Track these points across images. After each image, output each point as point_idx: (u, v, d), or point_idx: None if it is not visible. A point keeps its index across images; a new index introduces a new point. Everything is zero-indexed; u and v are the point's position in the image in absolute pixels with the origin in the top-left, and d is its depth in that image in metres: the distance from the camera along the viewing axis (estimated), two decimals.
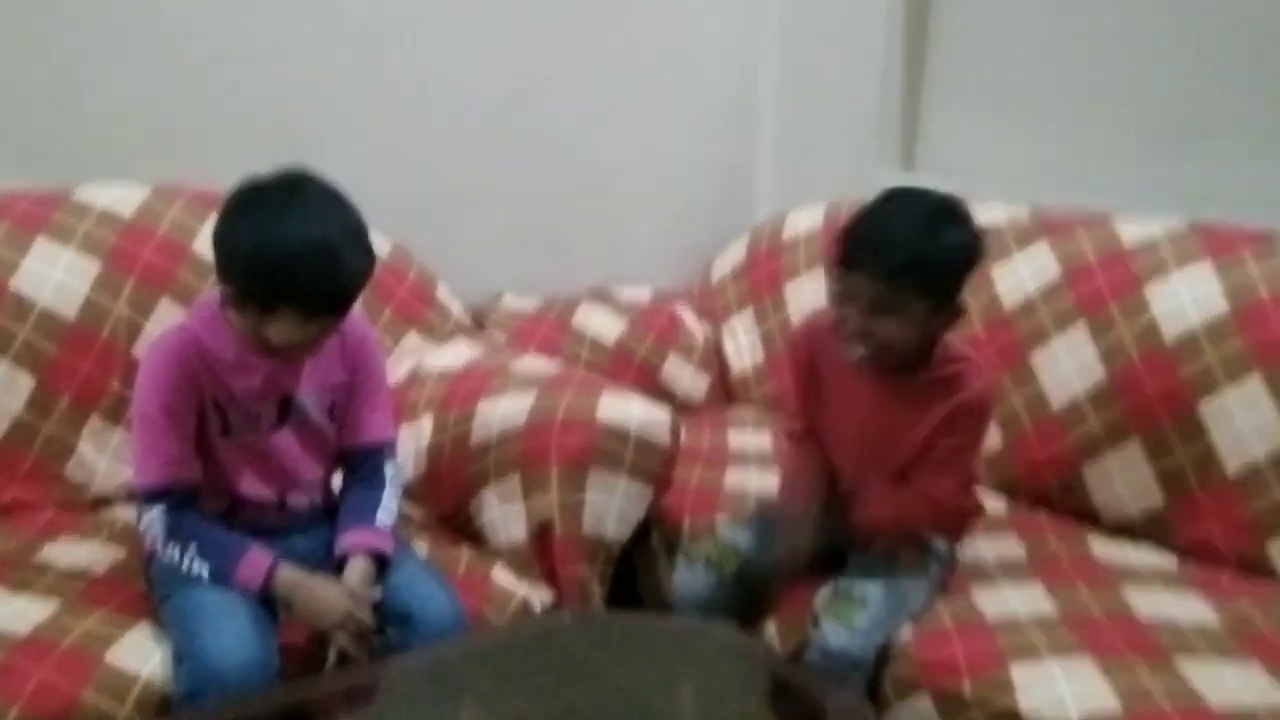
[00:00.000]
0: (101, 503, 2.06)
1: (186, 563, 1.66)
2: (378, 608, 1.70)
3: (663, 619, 1.81)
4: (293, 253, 1.58)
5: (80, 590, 1.73)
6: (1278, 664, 1.63)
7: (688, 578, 1.89)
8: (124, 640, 1.62)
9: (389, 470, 1.85)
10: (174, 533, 1.67)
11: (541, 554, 1.97)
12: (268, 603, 1.67)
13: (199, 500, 1.73)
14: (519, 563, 1.98)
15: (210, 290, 1.81)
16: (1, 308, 1.99)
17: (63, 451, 2.04)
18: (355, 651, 1.65)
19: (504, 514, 2.01)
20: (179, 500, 1.69)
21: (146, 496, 1.69)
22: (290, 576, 1.67)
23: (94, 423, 2.06)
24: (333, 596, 1.67)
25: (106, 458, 2.07)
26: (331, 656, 1.66)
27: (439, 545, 2.01)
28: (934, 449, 1.80)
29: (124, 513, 2.00)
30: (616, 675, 1.57)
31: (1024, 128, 2.69)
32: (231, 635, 1.57)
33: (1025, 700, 1.59)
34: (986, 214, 2.44)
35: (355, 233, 1.65)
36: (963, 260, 1.76)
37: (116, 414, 2.05)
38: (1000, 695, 1.61)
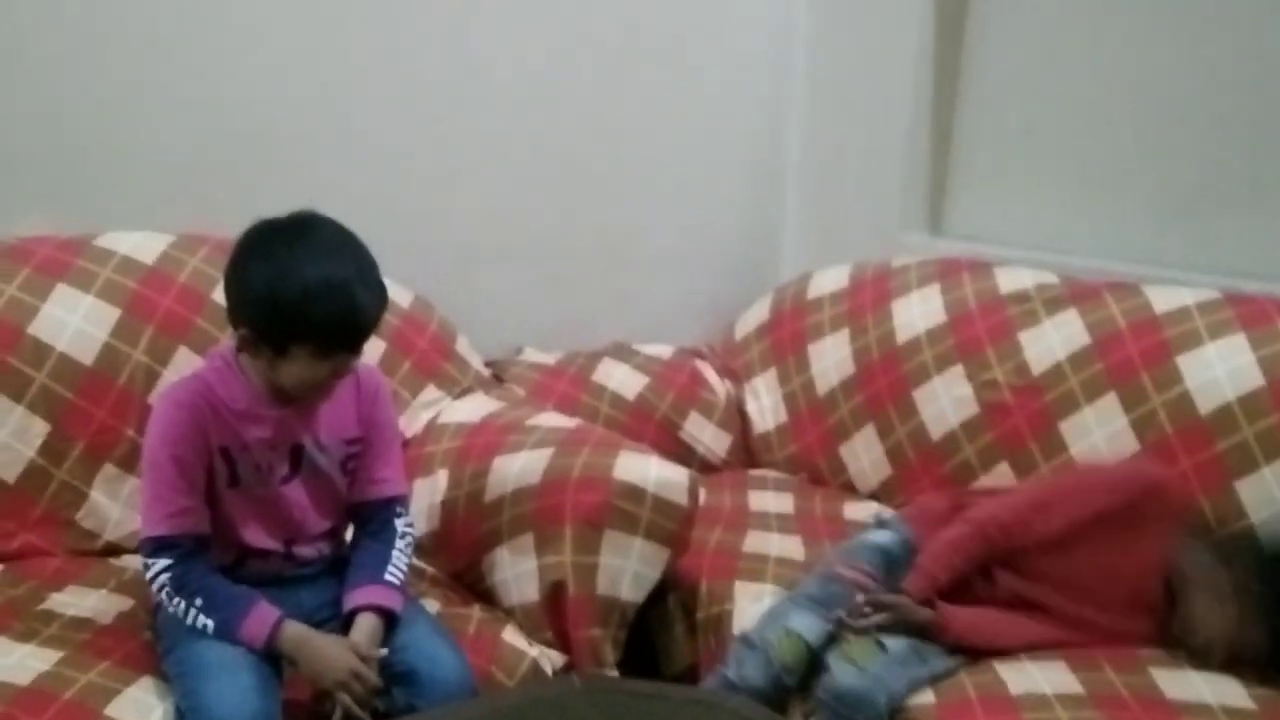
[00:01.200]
0: (112, 551, 2.05)
1: (192, 616, 1.65)
2: (384, 667, 1.67)
3: (676, 688, 1.76)
4: (307, 288, 1.59)
5: (85, 641, 1.71)
6: None
7: (750, 664, 1.81)
8: (126, 695, 1.60)
9: (399, 526, 1.84)
10: (180, 586, 1.65)
11: (554, 615, 1.95)
12: (273, 659, 1.65)
13: (207, 551, 1.71)
14: (531, 623, 1.95)
15: (225, 340, 1.81)
16: (19, 353, 2.00)
17: (75, 498, 2.03)
18: (359, 713, 1.63)
19: (516, 573, 1.99)
20: (186, 552, 1.68)
21: (153, 547, 1.68)
22: (296, 633, 1.65)
23: (107, 470, 2.05)
24: (337, 654, 1.64)
25: (119, 505, 2.05)
26: (337, 717, 1.63)
27: (450, 603, 1.99)
28: None
29: (134, 561, 1.96)
30: None
31: (1052, 192, 2.67)
32: (235, 692, 1.55)
33: None
34: (1015, 279, 2.46)
35: (367, 269, 1.66)
36: None
37: (130, 462, 2.03)
38: None
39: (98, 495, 2.04)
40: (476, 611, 1.97)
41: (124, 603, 1.86)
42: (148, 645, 1.72)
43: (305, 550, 1.80)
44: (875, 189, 2.96)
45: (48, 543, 2.01)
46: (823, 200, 3.11)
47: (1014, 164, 2.76)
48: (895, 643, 1.76)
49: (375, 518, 1.84)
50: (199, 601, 1.65)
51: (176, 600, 1.65)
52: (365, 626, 1.70)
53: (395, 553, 1.80)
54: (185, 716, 1.56)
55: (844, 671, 1.71)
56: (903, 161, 2.89)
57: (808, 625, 1.83)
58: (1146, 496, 1.86)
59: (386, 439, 1.85)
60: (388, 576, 1.76)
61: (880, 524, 2.06)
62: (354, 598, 1.74)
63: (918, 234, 2.88)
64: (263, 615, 1.65)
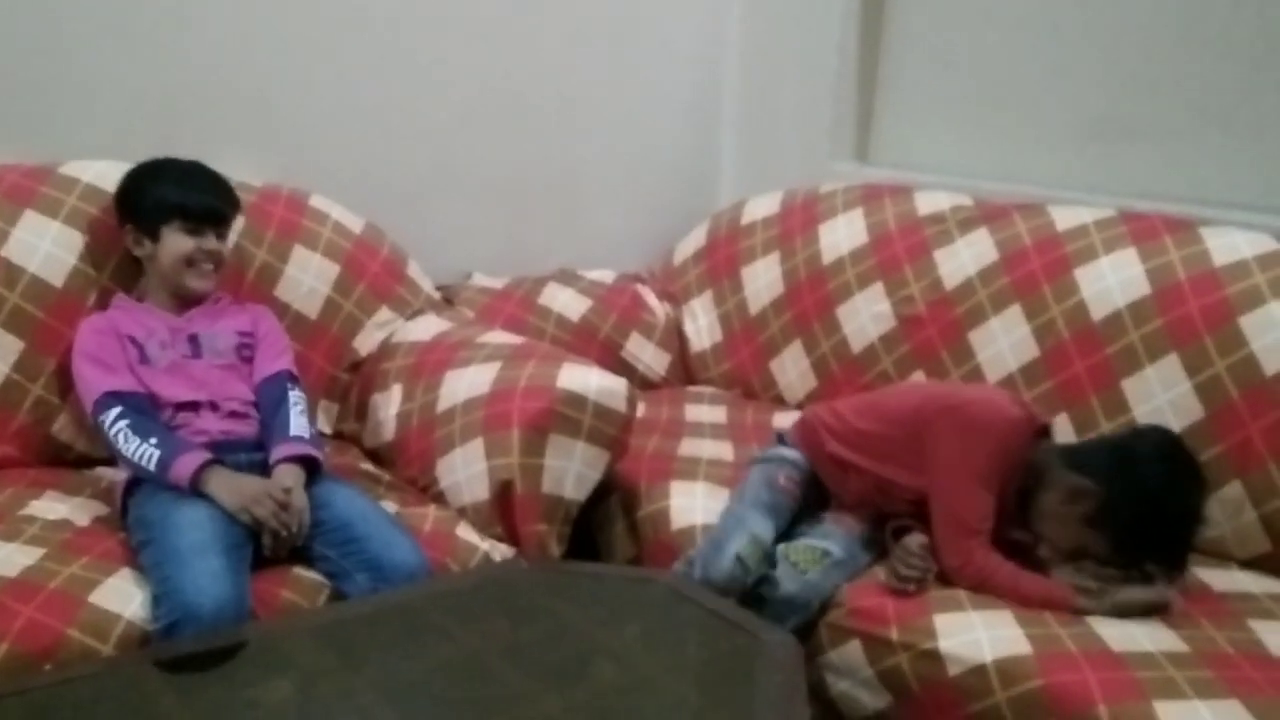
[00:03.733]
0: (85, 462, 2.15)
1: (145, 454, 1.87)
2: (336, 541, 1.86)
3: (615, 568, 1.89)
4: (175, 171, 2.14)
5: (65, 540, 1.82)
6: None
7: (714, 565, 1.88)
8: (106, 584, 1.71)
9: (292, 394, 2.08)
10: (136, 428, 1.91)
11: (503, 512, 2.05)
12: (240, 544, 1.79)
13: (150, 409, 1.96)
14: (482, 520, 2.06)
15: (120, 295, 2.16)
16: None
17: (50, 412, 2.12)
18: (276, 524, 1.82)
19: (468, 475, 2.08)
20: (138, 402, 1.94)
21: (107, 401, 1.93)
22: (218, 472, 1.88)
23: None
24: (256, 484, 1.87)
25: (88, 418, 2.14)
26: (266, 541, 1.82)
27: (407, 504, 2.09)
28: None
29: (107, 472, 2.09)
30: (568, 615, 1.65)
31: (969, 121, 2.79)
32: (206, 575, 1.68)
33: (945, 643, 1.72)
34: (932, 201, 2.58)
35: (212, 176, 2.18)
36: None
37: None
38: (923, 640, 1.74)
39: (70, 407, 2.13)
40: (432, 511, 2.07)
41: (99, 508, 1.97)
42: (123, 543, 1.84)
43: (229, 404, 2.05)
44: (806, 120, 3.06)
45: (25, 454, 2.11)
46: (757, 132, 3.20)
47: (935, 95, 2.87)
48: (836, 550, 1.89)
49: (270, 395, 2.09)
50: (153, 440, 1.89)
51: (134, 442, 1.88)
52: (280, 472, 1.92)
53: (291, 414, 2.04)
54: (161, 601, 1.68)
55: (788, 576, 1.84)
56: (832, 94, 2.99)
57: (765, 529, 1.95)
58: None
59: (274, 335, 2.19)
60: (290, 431, 2.00)
61: (780, 440, 2.16)
62: (270, 458, 1.96)
63: (846, 162, 2.99)
64: (195, 455, 1.88)
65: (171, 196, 2.10)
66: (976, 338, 2.36)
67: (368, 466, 2.29)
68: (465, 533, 2.03)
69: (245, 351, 2.14)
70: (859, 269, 2.58)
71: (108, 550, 1.81)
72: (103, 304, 2.15)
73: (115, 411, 1.93)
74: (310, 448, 1.99)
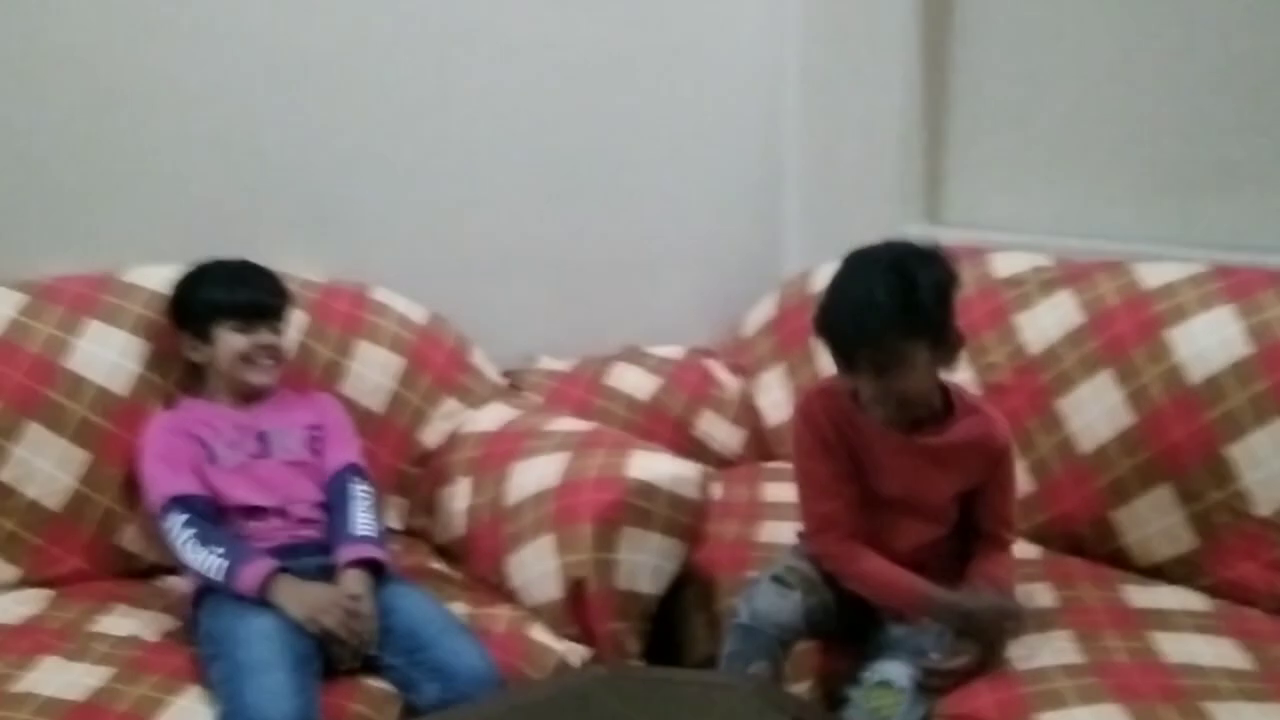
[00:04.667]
0: (152, 572, 2.14)
1: (214, 565, 1.86)
2: (395, 642, 1.84)
3: (696, 673, 1.83)
4: (220, 271, 2.17)
5: (134, 658, 1.80)
6: None
7: (772, 595, 1.85)
8: (174, 705, 1.70)
9: (355, 490, 2.06)
10: (204, 537, 1.90)
11: (578, 611, 2.02)
12: (310, 658, 1.77)
13: (217, 516, 1.95)
14: (556, 621, 2.03)
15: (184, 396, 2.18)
16: (58, 387, 2.10)
17: (117, 523, 2.12)
18: (345, 634, 1.80)
19: (539, 573, 2.06)
20: (203, 508, 1.93)
21: (172, 505, 1.93)
22: (289, 583, 1.85)
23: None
24: (325, 593, 1.85)
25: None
26: (335, 651, 1.80)
27: (478, 604, 2.06)
28: (988, 498, 1.89)
29: (177, 583, 2.07)
30: None
31: (1044, 177, 2.72)
32: (272, 691, 1.66)
33: None
34: (1010, 264, 2.51)
35: (259, 272, 2.19)
36: (939, 293, 1.82)
37: None
38: None
39: (138, 518, 2.12)
40: (505, 611, 2.05)
41: (169, 622, 1.95)
42: (193, 659, 1.82)
43: (298, 509, 2.03)
44: (873, 182, 3.00)
45: (94, 566, 2.11)
46: (822, 196, 3.15)
47: (1007, 149, 2.80)
48: (902, 675, 1.78)
49: (334, 489, 2.07)
50: (218, 549, 1.88)
51: (199, 549, 1.88)
52: (348, 578, 1.89)
53: (357, 511, 2.02)
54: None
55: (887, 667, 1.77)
56: (898, 153, 2.94)
57: (796, 561, 1.92)
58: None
59: (340, 427, 2.19)
60: (357, 530, 1.99)
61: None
62: (335, 560, 1.93)
63: (917, 224, 2.92)
64: (263, 563, 1.86)
65: (219, 296, 2.12)
66: (1066, 406, 2.27)
67: (438, 565, 2.27)
68: (539, 634, 2.00)
69: (316, 445, 2.13)
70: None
71: (177, 667, 1.79)
72: (169, 405, 2.15)
73: (181, 519, 1.92)
74: (376, 549, 1.96)
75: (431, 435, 2.43)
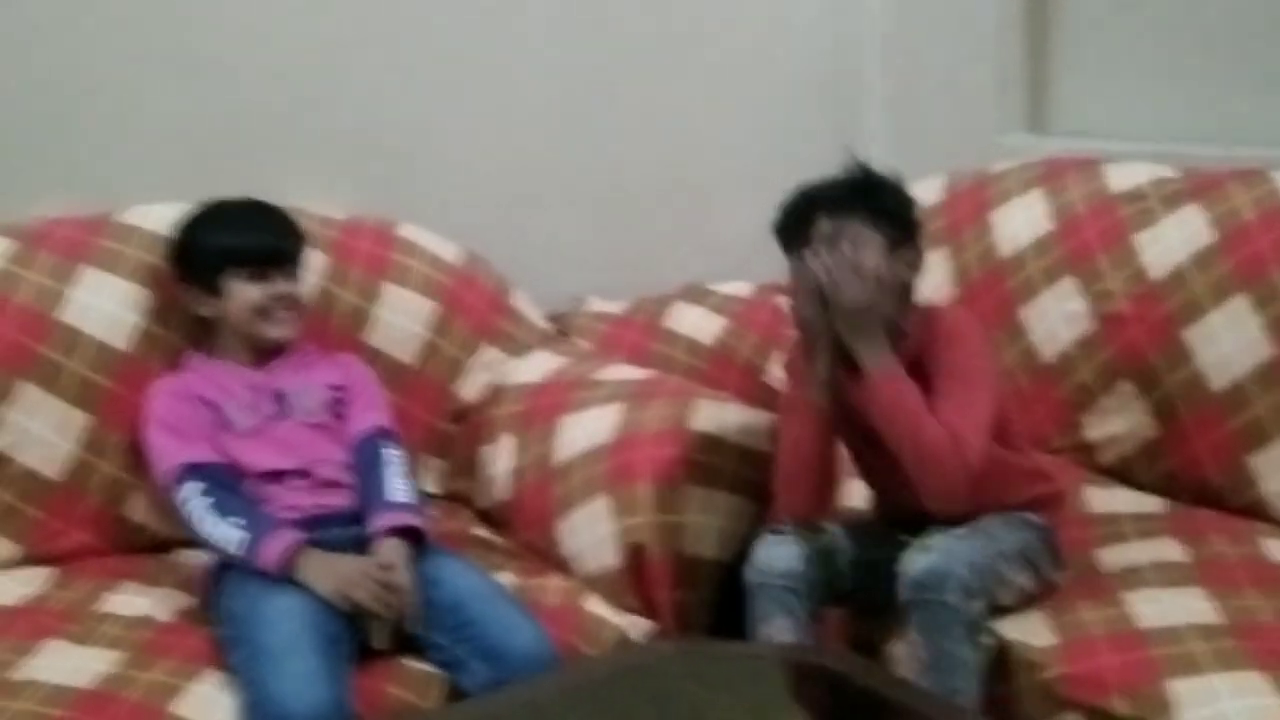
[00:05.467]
0: (164, 546, 2.16)
1: (227, 535, 1.87)
2: (450, 629, 1.84)
3: (774, 646, 1.82)
4: (225, 214, 2.14)
5: (146, 640, 1.83)
6: None
7: (779, 550, 1.89)
8: (191, 691, 1.72)
9: (386, 454, 2.05)
10: (222, 508, 1.90)
11: (637, 581, 2.03)
12: (342, 641, 1.78)
13: (235, 483, 1.95)
14: (613, 591, 2.03)
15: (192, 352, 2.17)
16: (50, 342, 2.11)
17: (122, 491, 2.14)
18: (380, 608, 1.80)
19: (593, 539, 2.07)
20: (220, 475, 1.94)
21: (185, 474, 1.93)
22: (313, 555, 1.85)
23: None
24: (355, 565, 1.85)
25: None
26: (370, 629, 1.81)
27: (527, 575, 2.08)
28: (940, 395, 1.86)
29: (190, 556, 2.09)
30: (720, 706, 1.60)
31: (1166, 76, 2.67)
32: (299, 677, 1.67)
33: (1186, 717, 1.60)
34: (1128, 176, 2.46)
35: (268, 206, 2.16)
36: (901, 190, 1.98)
37: None
38: (1156, 715, 1.63)
39: (145, 485, 2.13)
40: (555, 582, 2.06)
41: (184, 599, 1.97)
42: (210, 639, 1.84)
43: (322, 471, 2.03)
44: (966, 88, 2.96)
45: (99, 540, 2.13)
46: (908, 105, 3.11)
47: (1122, 44, 2.75)
48: (952, 534, 1.81)
49: (364, 455, 2.06)
50: (238, 519, 1.88)
51: (217, 520, 1.88)
52: (382, 547, 1.89)
53: (388, 475, 2.02)
54: (251, 710, 1.68)
55: (913, 559, 1.77)
56: (996, 54, 2.90)
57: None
58: None
59: (365, 385, 2.18)
60: (391, 496, 1.99)
61: None
62: (367, 530, 1.93)
63: (1017, 134, 2.89)
64: (285, 536, 1.86)
65: (227, 242, 2.09)
66: (1194, 337, 2.23)
67: (481, 532, 2.28)
68: (595, 606, 2.01)
69: (339, 407, 2.12)
70: (1044, 261, 2.47)
71: (193, 650, 1.81)
72: (174, 365, 2.16)
73: (193, 487, 1.92)
74: (412, 515, 1.96)
75: (470, 388, 2.43)
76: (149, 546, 2.16)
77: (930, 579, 1.74)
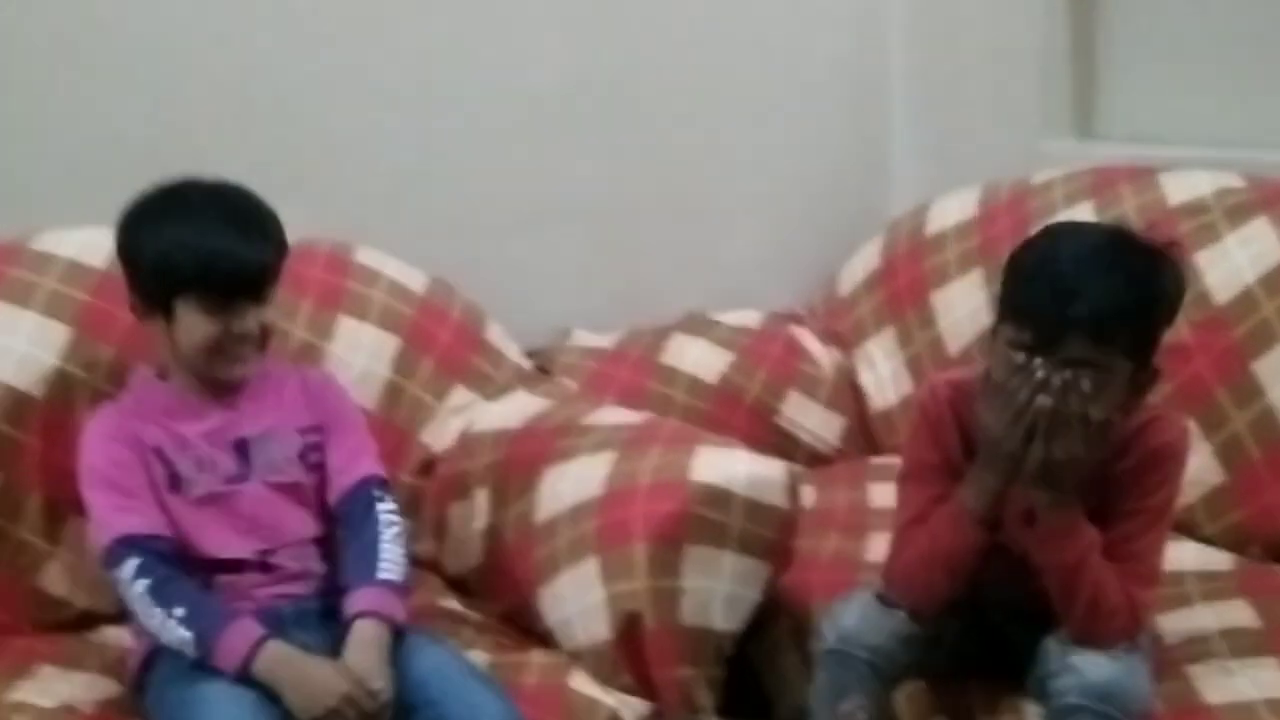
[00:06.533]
0: (89, 622, 2.14)
1: (171, 630, 1.81)
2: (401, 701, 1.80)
3: None
4: (187, 208, 1.93)
5: None
6: None
7: (866, 610, 1.87)
8: None
9: (382, 513, 2.00)
10: (159, 592, 1.83)
11: (632, 655, 2.01)
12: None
13: (179, 562, 1.89)
14: (604, 668, 2.02)
15: (141, 367, 2.07)
16: None
17: (36, 560, 2.13)
18: None
19: (581, 607, 2.06)
20: (161, 554, 1.87)
21: (122, 550, 1.86)
22: (279, 655, 1.79)
23: (73, 524, 2.13)
24: (327, 676, 1.77)
25: (90, 565, 2.12)
26: None
27: (502, 650, 2.07)
28: (1126, 520, 1.82)
29: (116, 636, 2.08)
30: None
31: (1230, 72, 2.69)
32: None
33: None
34: (1187, 186, 2.48)
35: (242, 209, 1.96)
36: (1171, 306, 1.83)
37: None
38: None
39: (64, 554, 2.13)
40: (536, 657, 2.05)
41: (108, 686, 1.96)
42: None
43: (286, 561, 1.95)
44: (1005, 89, 3.00)
45: (10, 617, 2.11)
46: (939, 110, 3.14)
47: (1179, 41, 2.78)
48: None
49: (352, 510, 2.00)
50: (179, 611, 1.81)
51: (154, 610, 1.81)
52: (360, 634, 1.84)
53: (384, 546, 1.95)
54: None
55: (1096, 664, 1.74)
56: (1038, 50, 2.93)
57: None
58: None
59: (346, 423, 2.09)
60: (381, 575, 1.92)
61: None
62: (346, 606, 1.88)
63: (1062, 139, 2.92)
64: (245, 630, 1.80)
65: (181, 260, 1.88)
66: (1265, 369, 2.25)
67: (450, 603, 2.27)
68: (582, 684, 2.00)
69: (313, 456, 2.04)
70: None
71: None
72: (116, 386, 2.12)
73: (132, 566, 1.85)
74: (398, 602, 1.91)
75: (438, 436, 2.43)
76: (70, 623, 2.14)
77: (1114, 691, 1.71)
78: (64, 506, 2.13)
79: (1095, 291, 1.71)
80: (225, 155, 2.42)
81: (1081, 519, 1.78)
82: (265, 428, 2.01)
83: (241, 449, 1.99)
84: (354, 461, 2.04)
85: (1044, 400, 1.70)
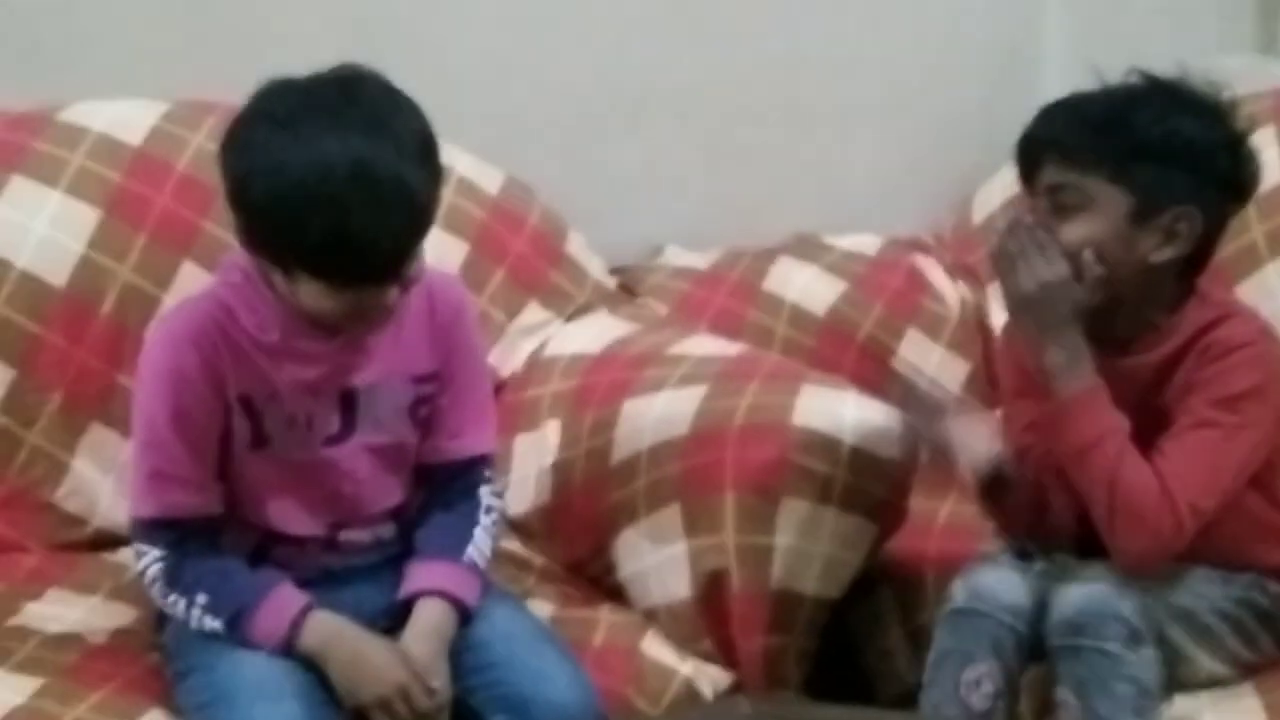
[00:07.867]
0: (105, 542, 2.15)
1: (196, 618, 1.76)
2: (466, 685, 1.78)
3: (884, 714, 1.81)
4: (292, 193, 1.62)
5: (71, 664, 1.82)
6: None
7: (1004, 569, 1.89)
8: None
9: (485, 497, 1.93)
10: (176, 579, 1.77)
11: (713, 618, 2.02)
12: (322, 685, 1.74)
13: (215, 536, 1.82)
14: (680, 630, 2.03)
15: (237, 256, 1.86)
16: None
17: (52, 470, 2.14)
18: (406, 716, 1.71)
19: (659, 561, 2.07)
20: (186, 537, 1.78)
21: (144, 532, 1.80)
22: (327, 628, 1.75)
23: (95, 432, 2.15)
24: (383, 661, 1.73)
25: (111, 480, 2.15)
26: None
27: (568, 604, 2.09)
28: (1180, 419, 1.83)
29: (134, 558, 2.07)
30: None
31: None
32: None
33: None
34: None
35: (402, 165, 1.65)
36: (1185, 147, 1.83)
37: (124, 420, 2.09)
38: None
39: (82, 466, 2.14)
40: (605, 614, 2.07)
41: (123, 612, 1.96)
42: (154, 669, 1.83)
43: (357, 535, 1.90)
44: None
45: (19, 532, 2.13)
46: (1098, 17, 3.10)
47: None
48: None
49: (453, 485, 1.93)
50: (201, 598, 1.75)
51: (173, 599, 1.77)
52: (427, 619, 1.79)
53: (478, 530, 1.89)
54: None
55: (1064, 597, 1.78)
56: None
57: None
58: None
59: (470, 377, 1.96)
60: (466, 557, 1.86)
61: None
62: (416, 577, 1.83)
63: (1243, 55, 2.90)
64: (282, 603, 1.75)
65: (306, 257, 1.67)
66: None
67: (511, 545, 2.24)
68: (656, 649, 2.02)
69: (423, 410, 1.91)
70: (1274, 223, 2.42)
71: (130, 681, 1.81)
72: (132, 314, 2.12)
73: (155, 553, 1.78)
74: (475, 591, 1.84)
75: (505, 357, 2.43)
76: (85, 543, 2.16)
77: (1084, 621, 1.74)
78: (85, 412, 2.15)
79: (1067, 109, 1.86)
80: (283, 34, 2.47)
81: (1102, 399, 1.81)
82: (377, 376, 1.85)
83: (348, 402, 1.85)
84: (470, 432, 1.94)
85: (997, 238, 1.86)
